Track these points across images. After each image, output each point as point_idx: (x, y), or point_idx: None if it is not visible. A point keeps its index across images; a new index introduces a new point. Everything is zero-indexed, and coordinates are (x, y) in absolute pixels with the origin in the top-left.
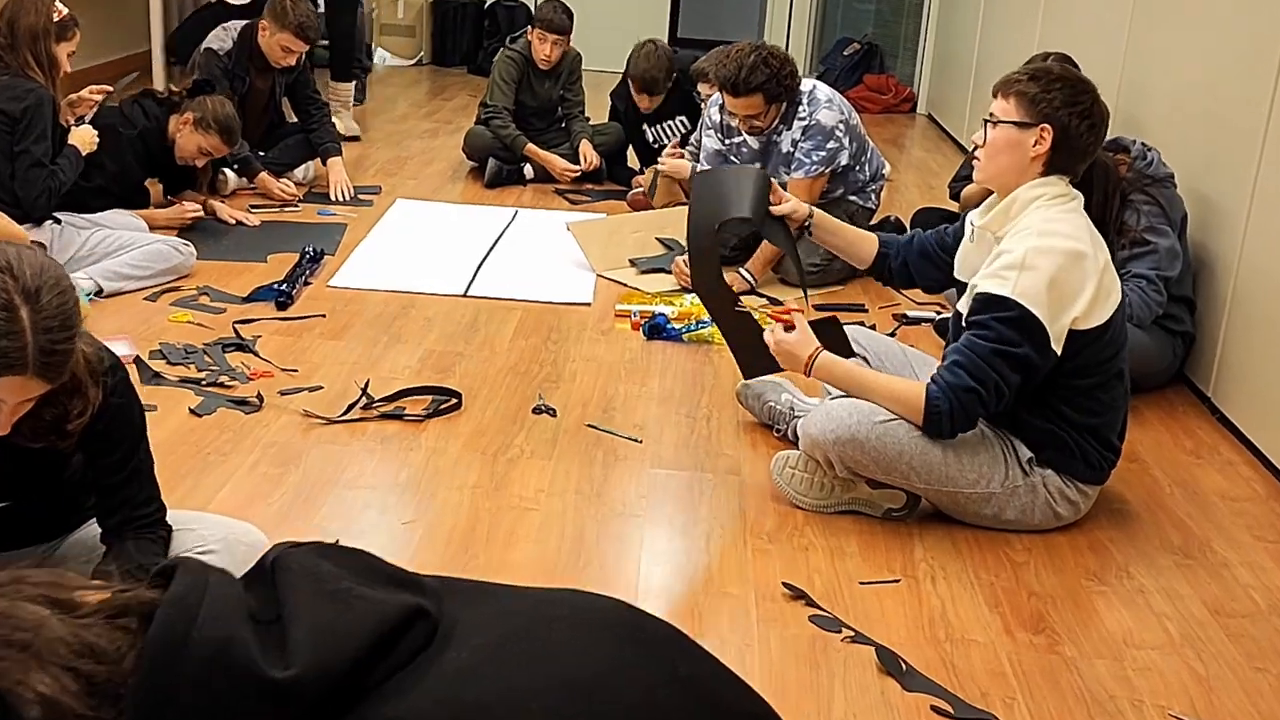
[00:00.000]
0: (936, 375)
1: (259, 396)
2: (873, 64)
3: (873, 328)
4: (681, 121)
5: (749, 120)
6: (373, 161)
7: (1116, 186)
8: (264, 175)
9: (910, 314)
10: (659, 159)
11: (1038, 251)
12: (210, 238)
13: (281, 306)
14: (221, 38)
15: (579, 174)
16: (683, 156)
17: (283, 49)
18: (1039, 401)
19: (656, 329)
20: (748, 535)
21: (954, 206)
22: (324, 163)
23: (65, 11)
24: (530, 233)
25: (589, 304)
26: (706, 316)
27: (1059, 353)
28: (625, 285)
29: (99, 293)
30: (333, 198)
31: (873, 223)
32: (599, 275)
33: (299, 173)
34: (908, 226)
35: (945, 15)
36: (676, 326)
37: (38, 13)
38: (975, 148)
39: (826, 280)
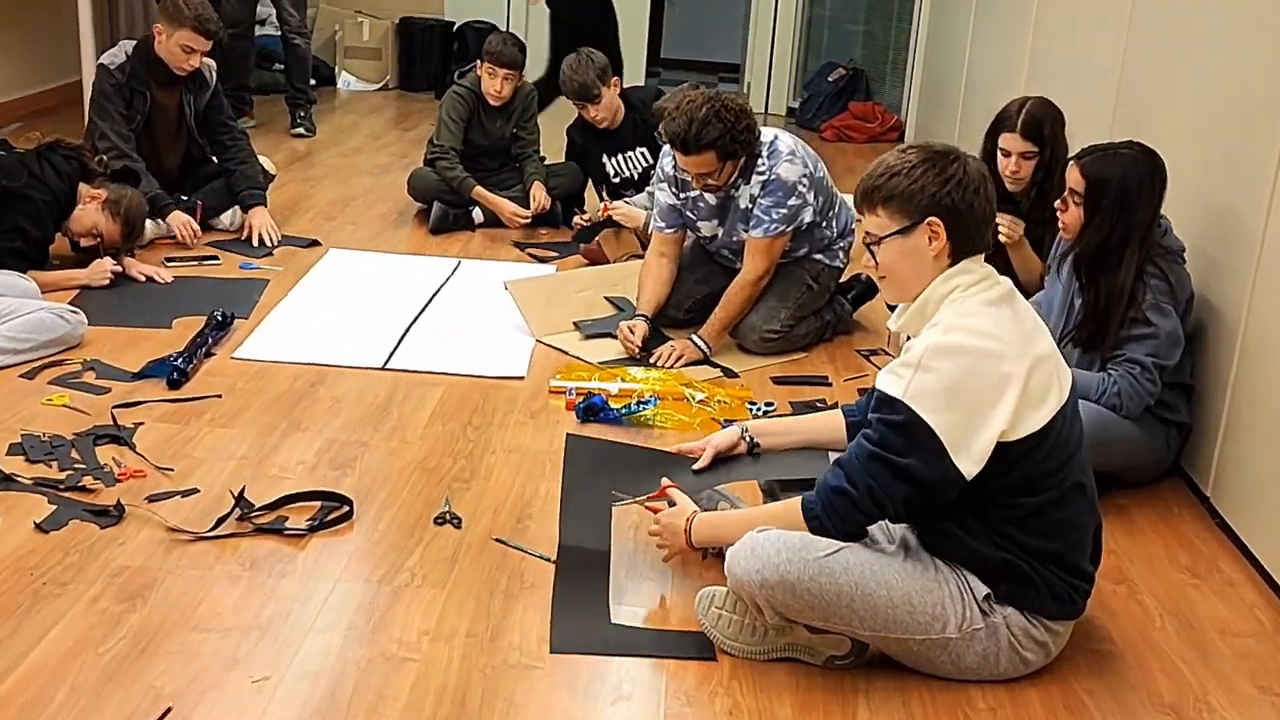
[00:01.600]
0: (819, 478)
1: (119, 506)
2: (858, 90)
3: (834, 406)
4: (643, 154)
5: (702, 178)
6: (313, 203)
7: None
8: (176, 214)
9: None
10: (608, 205)
11: (938, 351)
12: (113, 298)
13: (174, 385)
14: (114, 52)
15: (529, 218)
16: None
17: (183, 49)
18: (984, 526)
19: (592, 410)
20: (664, 695)
21: None
22: (243, 210)
23: None
24: (470, 288)
25: (522, 378)
26: (650, 394)
27: (974, 470)
28: (566, 354)
29: None
30: (254, 243)
31: (842, 280)
32: (538, 341)
33: (225, 218)
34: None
35: (934, 40)
36: (615, 408)
37: None
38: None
39: (788, 347)
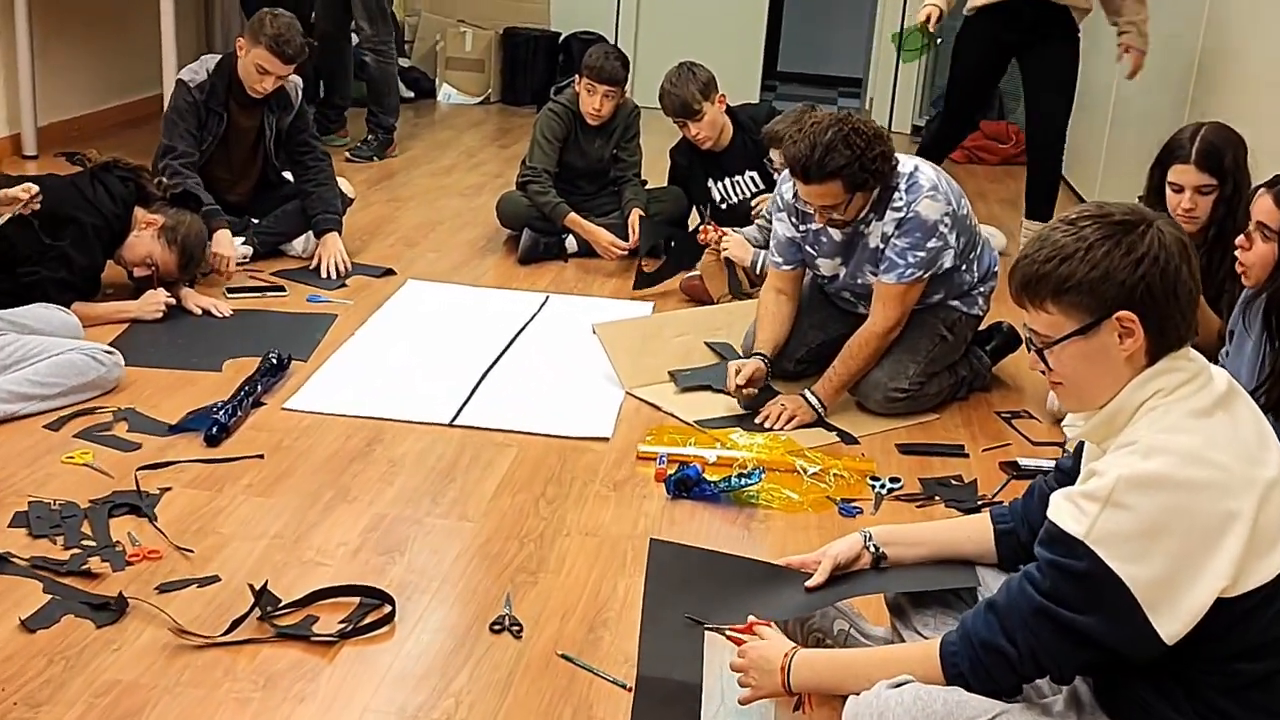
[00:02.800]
0: (965, 617)
1: (120, 599)
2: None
3: (972, 484)
4: (753, 178)
5: (826, 211)
6: (396, 227)
7: None
8: (220, 233)
9: (1025, 463)
10: (711, 229)
11: (1137, 483)
12: (164, 334)
13: (212, 442)
14: (195, 68)
15: (627, 250)
16: (755, 228)
17: (258, 70)
18: (1189, 696)
19: (685, 484)
20: None
21: None
22: (316, 237)
23: None
24: (557, 327)
25: (607, 439)
26: (753, 465)
27: (1180, 633)
28: (659, 409)
29: None
30: (323, 274)
31: (980, 329)
32: (628, 393)
33: (298, 245)
34: (1020, 333)
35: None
36: (712, 480)
37: None
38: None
39: (916, 408)
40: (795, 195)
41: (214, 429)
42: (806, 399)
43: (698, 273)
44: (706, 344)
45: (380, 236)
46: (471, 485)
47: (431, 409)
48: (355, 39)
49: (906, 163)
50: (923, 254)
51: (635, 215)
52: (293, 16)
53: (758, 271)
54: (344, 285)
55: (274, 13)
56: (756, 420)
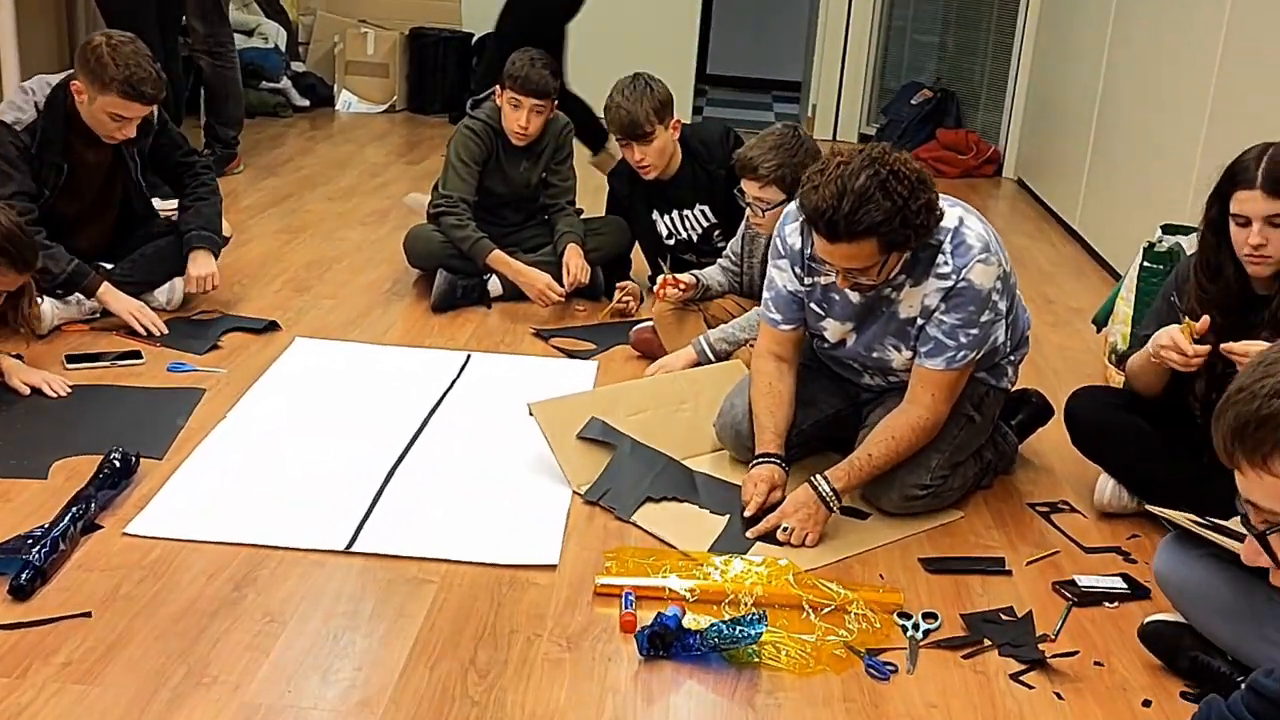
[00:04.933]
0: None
1: None
2: (948, 115)
3: (1027, 619)
4: (703, 212)
5: (852, 274)
6: (283, 267)
7: None
8: (106, 291)
9: (1084, 582)
10: (670, 278)
11: None
12: None
13: (20, 594)
14: (20, 103)
15: (564, 296)
16: (695, 285)
17: (112, 118)
18: None
19: (662, 640)
20: None
21: (1116, 376)
22: (184, 254)
23: None
24: (481, 398)
25: (554, 567)
26: (751, 605)
27: None
28: (620, 519)
29: None
30: (191, 289)
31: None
32: (577, 494)
33: (161, 295)
34: (1051, 403)
35: (1046, 50)
36: (698, 632)
37: None
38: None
39: (937, 506)
40: (802, 237)
41: (23, 575)
42: (818, 490)
43: (649, 321)
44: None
45: (263, 280)
46: (376, 650)
47: (322, 529)
48: (266, 39)
49: (949, 213)
50: (975, 332)
51: (572, 251)
52: (134, 39)
53: (713, 357)
54: (216, 346)
55: (111, 42)
56: (750, 533)
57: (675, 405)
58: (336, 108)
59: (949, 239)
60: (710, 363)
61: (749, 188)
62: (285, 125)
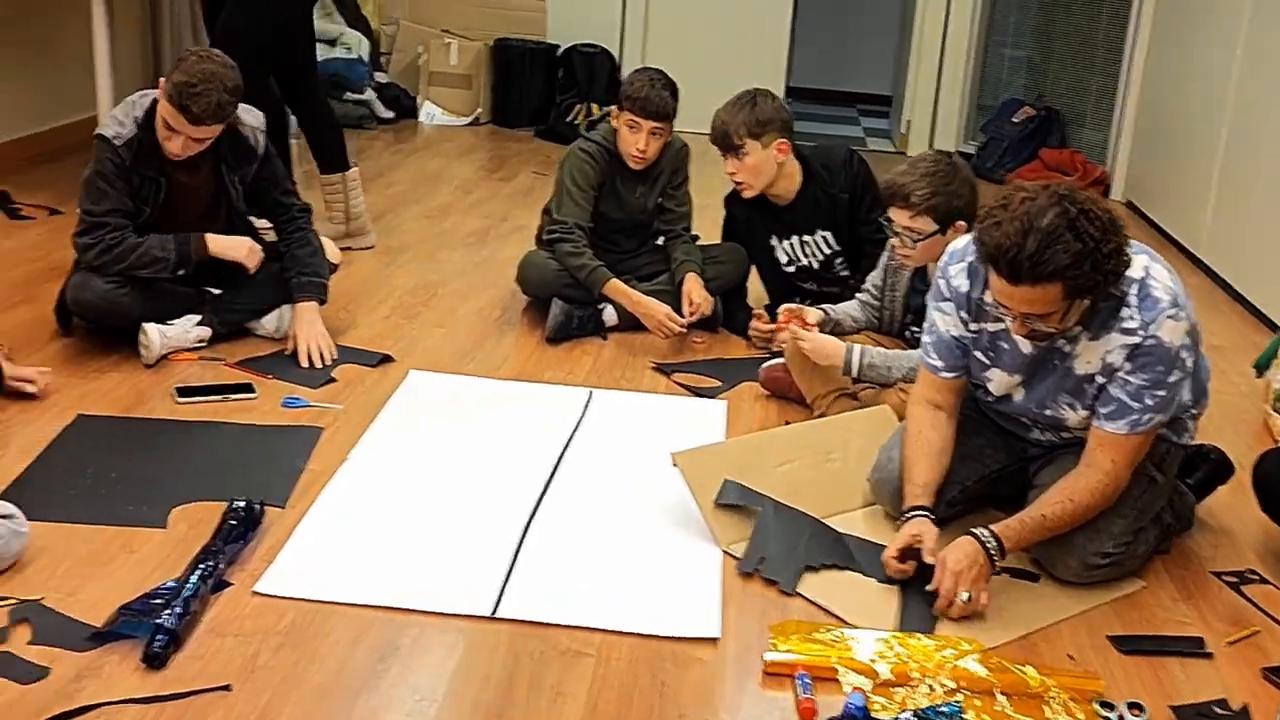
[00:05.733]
0: None
1: None
2: (1052, 134)
3: (1243, 714)
4: (824, 238)
5: (1030, 320)
6: (390, 291)
7: None
8: (214, 240)
9: None
10: (791, 312)
11: None
12: (77, 464)
13: (155, 662)
14: (120, 117)
15: (685, 328)
16: (824, 321)
17: (164, 126)
18: None
19: None
20: None
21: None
22: (292, 304)
23: None
24: (611, 444)
25: (715, 639)
26: (941, 691)
27: None
28: (785, 592)
29: None
30: (301, 362)
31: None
32: (727, 553)
33: (269, 322)
34: (1230, 459)
35: (1160, 65)
36: None
37: None
38: None
39: (1118, 575)
40: (970, 278)
41: (157, 642)
42: (984, 544)
43: (780, 359)
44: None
45: (369, 304)
46: None
47: (463, 592)
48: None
49: (1135, 260)
50: (1162, 393)
51: (691, 281)
52: (224, 59)
53: (855, 373)
54: (331, 379)
55: (197, 51)
56: (936, 608)
57: (824, 456)
58: (420, 119)
59: (1134, 290)
60: (849, 376)
61: (898, 217)
62: (370, 138)
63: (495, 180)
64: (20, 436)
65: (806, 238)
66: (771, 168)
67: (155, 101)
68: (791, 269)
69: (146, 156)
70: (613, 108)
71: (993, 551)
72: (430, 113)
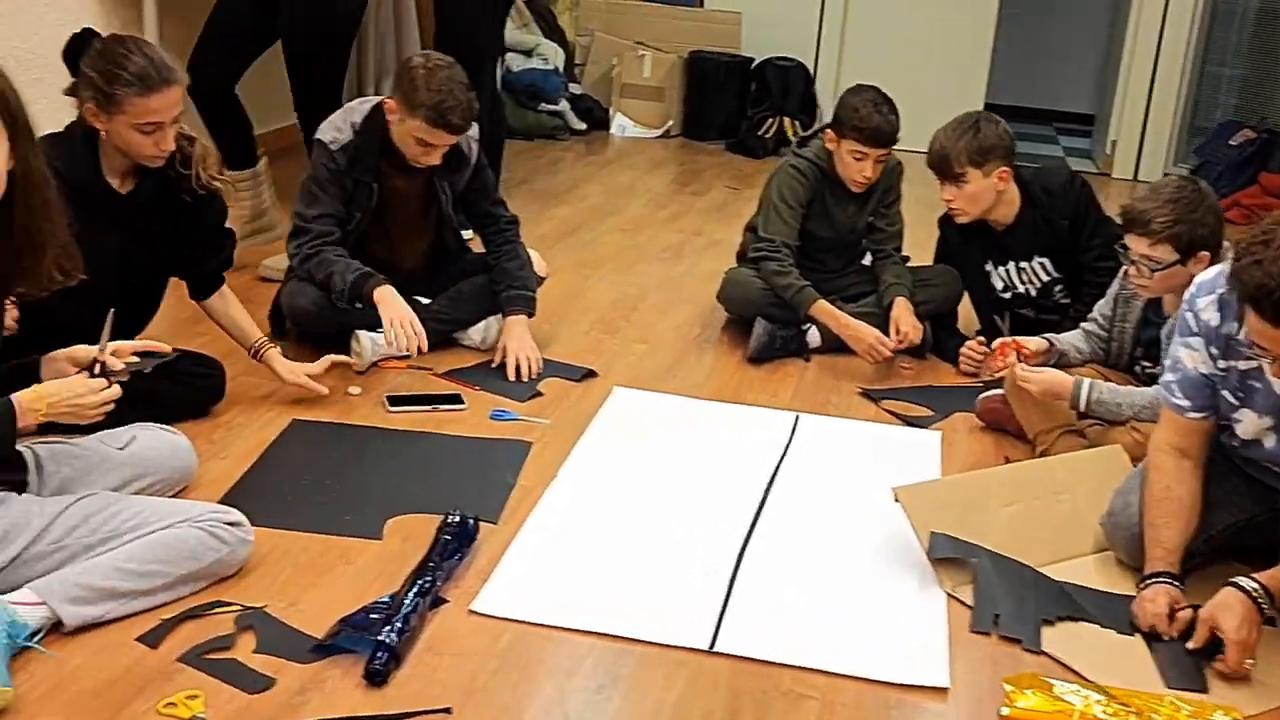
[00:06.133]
0: None
1: None
2: (1271, 158)
3: None
4: (1042, 265)
5: None
6: (589, 304)
7: None
8: (382, 293)
9: None
10: (1008, 345)
11: None
12: (292, 470)
13: (377, 679)
14: (338, 123)
15: (891, 354)
16: (1048, 351)
17: (418, 143)
18: None
19: None
20: None
21: None
22: (503, 317)
23: None
24: (822, 473)
25: (945, 689)
26: None
27: None
28: (1029, 650)
29: (49, 629)
30: (509, 376)
31: None
32: (951, 596)
33: (476, 333)
34: None
35: None
36: None
37: None
38: None
39: None
40: (1227, 322)
41: (379, 658)
42: (1253, 599)
43: (997, 390)
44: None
45: (570, 318)
46: None
47: (679, 622)
48: (546, 59)
49: None
50: None
51: (901, 307)
52: (453, 64)
53: (1083, 407)
54: (537, 393)
55: (428, 64)
56: (1218, 667)
57: (1052, 496)
58: (611, 131)
59: None
60: (1076, 411)
61: (1136, 244)
62: (562, 149)
63: (688, 194)
64: (240, 440)
65: (1024, 264)
66: (990, 195)
67: (375, 109)
68: (1007, 295)
69: (362, 162)
70: (827, 130)
71: (1263, 605)
72: (621, 125)
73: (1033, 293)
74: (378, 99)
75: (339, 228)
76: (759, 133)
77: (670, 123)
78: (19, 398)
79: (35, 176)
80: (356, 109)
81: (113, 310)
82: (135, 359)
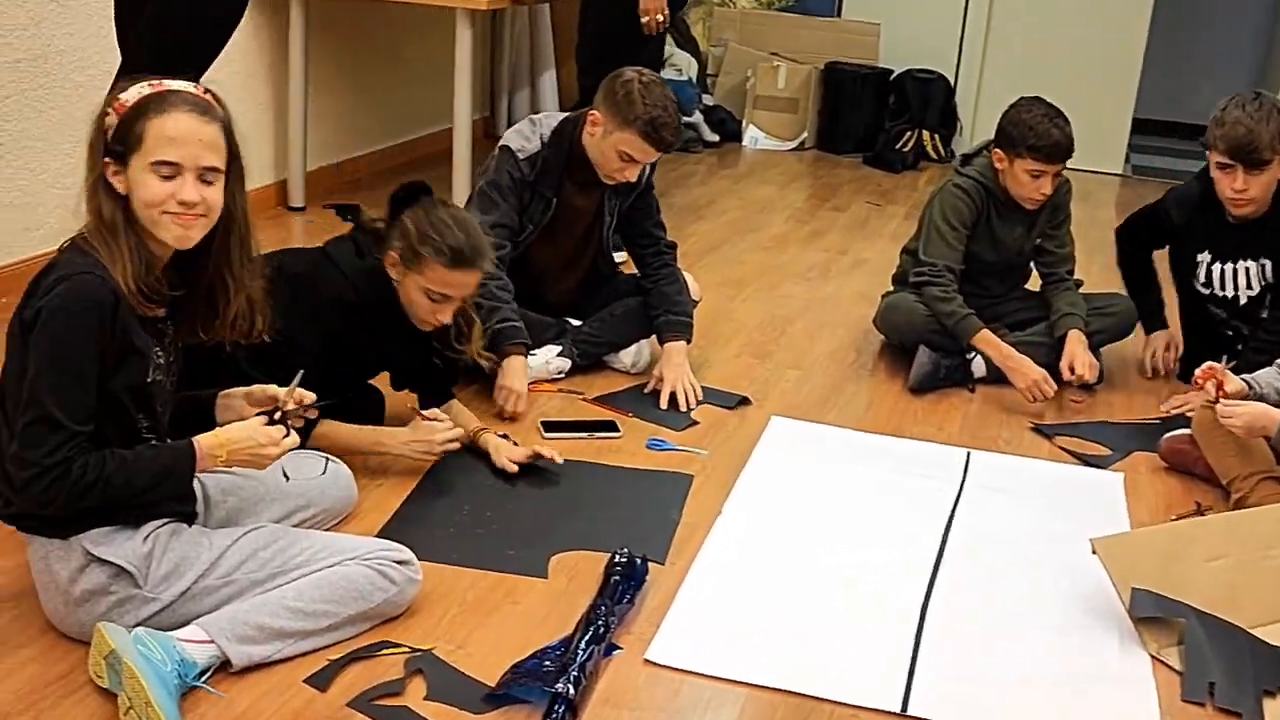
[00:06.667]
0: None
1: None
2: None
3: None
4: (1262, 267)
5: None
6: (737, 326)
7: None
8: (511, 361)
9: None
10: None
11: None
12: (452, 504)
13: None
14: (526, 133)
15: (1053, 392)
16: (1244, 393)
17: (621, 156)
18: None
19: None
20: None
21: None
22: (660, 343)
23: (132, 100)
24: (998, 513)
25: None
26: None
27: None
28: (1230, 712)
29: (216, 668)
30: (662, 404)
31: None
32: (1156, 658)
33: (627, 356)
34: None
35: None
36: None
37: (93, 125)
38: None
39: None
40: None
41: (555, 711)
42: None
43: (1183, 430)
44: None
45: (719, 341)
46: None
47: (866, 681)
48: (680, 70)
49: None
50: None
51: (1075, 341)
52: (662, 82)
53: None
54: (693, 422)
55: (643, 79)
56: None
57: (1262, 552)
58: (743, 143)
59: None
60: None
61: (1251, 179)
62: (695, 162)
63: (828, 210)
64: (396, 465)
65: (1243, 263)
66: (1275, 185)
67: (564, 122)
68: (1206, 291)
69: (547, 175)
70: (995, 149)
71: None
72: (754, 136)
73: (1241, 300)
74: (562, 116)
75: (510, 239)
76: (896, 146)
77: (804, 135)
78: (201, 442)
79: (240, 218)
80: (543, 121)
81: (303, 371)
82: (312, 407)
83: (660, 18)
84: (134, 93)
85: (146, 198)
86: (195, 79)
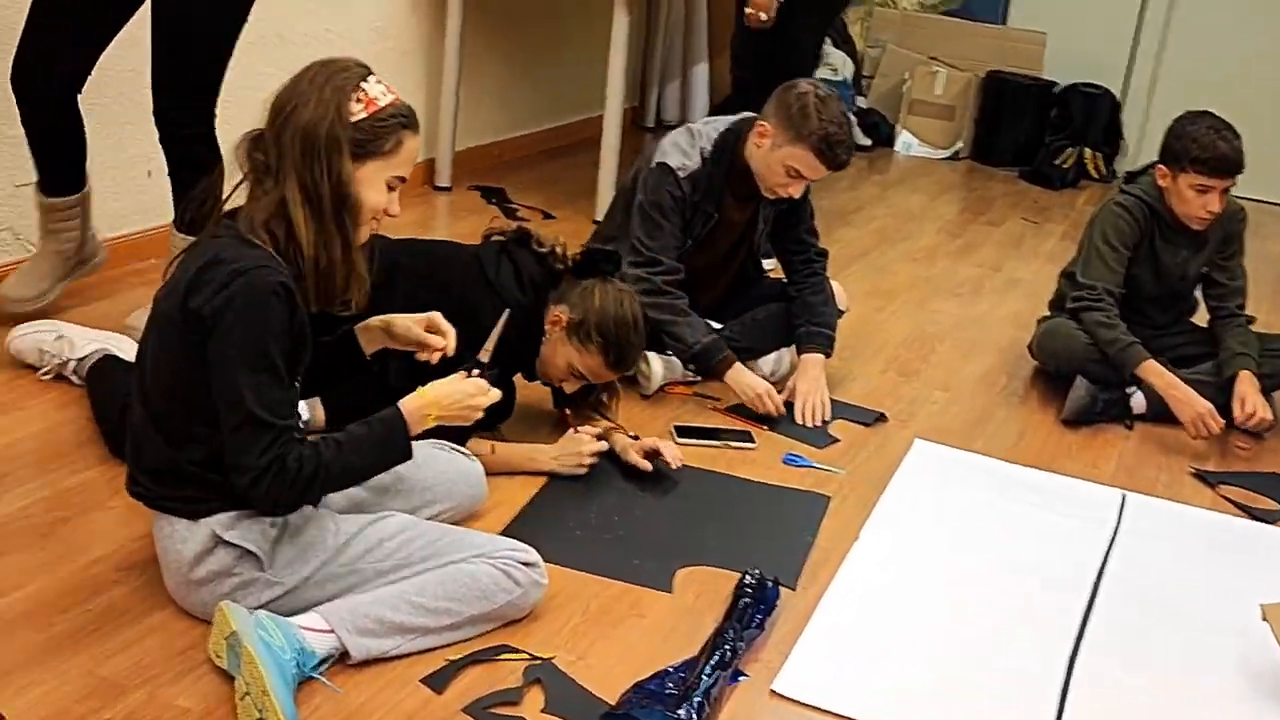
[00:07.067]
0: None
1: None
2: None
3: None
4: None
5: None
6: (882, 340)
7: None
8: (735, 373)
9: None
10: None
11: None
12: (578, 510)
13: None
14: (686, 148)
15: (1223, 428)
16: None
17: (788, 172)
18: None
19: None
20: None
21: None
22: (798, 353)
23: (383, 101)
24: (1155, 563)
25: None
26: None
27: None
28: None
29: (334, 659)
30: (796, 417)
31: None
32: None
33: (766, 364)
34: None
35: None
36: None
37: (320, 104)
38: None
39: None
40: None
41: None
42: None
43: None
44: None
45: (864, 355)
46: None
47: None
48: (834, 69)
49: None
50: None
51: (1245, 381)
52: (839, 98)
53: None
54: (833, 439)
55: (819, 93)
56: None
57: None
58: (895, 149)
59: None
60: None
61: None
62: None
63: (982, 224)
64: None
65: None
66: None
67: (724, 134)
68: None
69: (708, 191)
70: (1159, 165)
71: None
72: (907, 142)
73: None
74: (725, 121)
75: (679, 259)
76: (1055, 162)
77: (959, 144)
78: (406, 406)
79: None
80: (702, 132)
81: (509, 311)
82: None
83: (764, 16)
84: (379, 91)
85: (373, 203)
86: None
